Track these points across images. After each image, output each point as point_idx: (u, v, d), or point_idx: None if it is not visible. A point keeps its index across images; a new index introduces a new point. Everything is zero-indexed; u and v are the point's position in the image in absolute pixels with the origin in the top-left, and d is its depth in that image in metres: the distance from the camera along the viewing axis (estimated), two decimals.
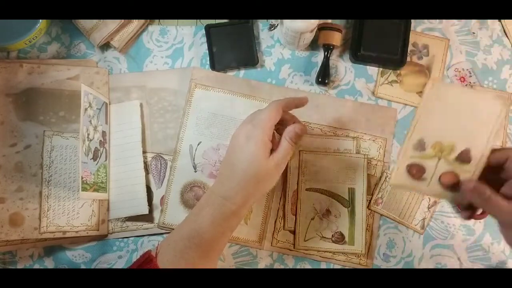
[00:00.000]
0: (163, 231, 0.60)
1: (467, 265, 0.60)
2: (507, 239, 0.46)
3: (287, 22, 0.57)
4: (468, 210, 0.47)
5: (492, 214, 0.44)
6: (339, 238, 0.59)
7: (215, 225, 0.49)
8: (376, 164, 0.62)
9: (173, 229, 0.59)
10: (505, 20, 0.66)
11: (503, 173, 0.46)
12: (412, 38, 0.64)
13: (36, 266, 0.59)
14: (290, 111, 0.54)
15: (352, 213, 0.60)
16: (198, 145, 0.62)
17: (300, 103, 0.53)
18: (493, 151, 0.47)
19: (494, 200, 0.43)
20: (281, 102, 0.51)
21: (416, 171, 0.50)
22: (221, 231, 0.50)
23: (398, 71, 0.64)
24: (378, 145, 0.62)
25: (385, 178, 0.61)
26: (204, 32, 0.64)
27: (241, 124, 0.52)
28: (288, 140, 0.50)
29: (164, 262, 0.48)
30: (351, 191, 0.60)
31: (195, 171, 0.61)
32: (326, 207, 0.60)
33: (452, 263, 0.60)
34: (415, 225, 0.61)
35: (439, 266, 0.61)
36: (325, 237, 0.59)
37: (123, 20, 0.62)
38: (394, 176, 0.49)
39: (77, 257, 0.60)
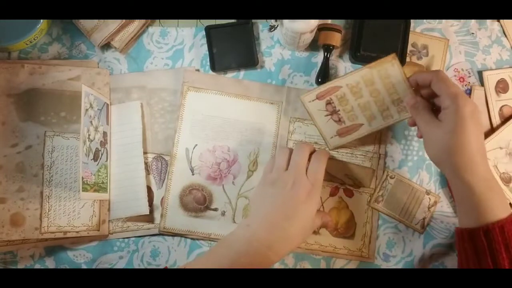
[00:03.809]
0: (163, 232, 0.60)
1: None
2: (428, 151, 0.53)
3: (287, 23, 0.57)
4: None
5: (419, 124, 0.53)
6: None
7: None
8: (372, 157, 0.62)
9: (175, 233, 0.60)
10: (504, 20, 0.66)
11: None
12: (411, 38, 0.64)
13: (37, 266, 0.60)
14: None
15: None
16: (194, 148, 0.62)
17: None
18: (420, 73, 0.54)
19: (422, 111, 0.52)
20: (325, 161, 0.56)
21: None
22: None
23: None
24: (373, 137, 0.62)
25: (386, 175, 0.61)
26: (204, 33, 0.64)
27: (278, 171, 0.54)
28: (321, 223, 0.57)
29: None
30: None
31: (193, 174, 0.61)
32: None
33: (452, 263, 0.60)
34: (415, 225, 0.61)
35: (440, 266, 0.61)
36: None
37: (123, 21, 0.62)
38: None
39: (78, 257, 0.60)
